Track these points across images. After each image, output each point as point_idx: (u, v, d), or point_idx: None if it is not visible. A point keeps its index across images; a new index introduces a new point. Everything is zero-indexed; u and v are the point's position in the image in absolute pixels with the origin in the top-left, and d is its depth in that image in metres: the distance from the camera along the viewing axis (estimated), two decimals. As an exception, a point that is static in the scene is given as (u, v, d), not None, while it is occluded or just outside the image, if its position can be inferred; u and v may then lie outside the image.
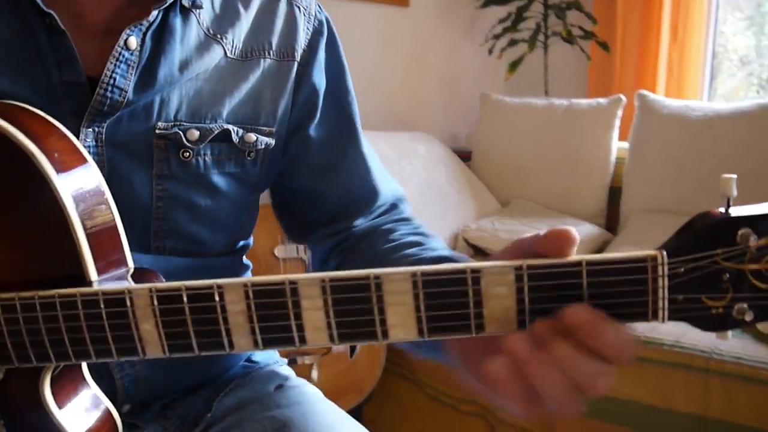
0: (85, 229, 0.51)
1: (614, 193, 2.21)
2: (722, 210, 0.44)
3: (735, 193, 0.45)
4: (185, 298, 0.48)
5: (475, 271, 0.45)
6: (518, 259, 0.45)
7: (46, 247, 0.51)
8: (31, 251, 0.51)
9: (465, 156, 2.52)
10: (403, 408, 1.86)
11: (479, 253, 2.03)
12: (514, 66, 2.64)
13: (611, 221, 2.22)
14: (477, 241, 2.06)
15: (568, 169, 2.21)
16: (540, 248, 0.45)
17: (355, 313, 0.46)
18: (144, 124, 0.63)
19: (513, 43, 2.67)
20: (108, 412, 0.60)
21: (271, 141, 0.70)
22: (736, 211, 0.44)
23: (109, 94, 0.59)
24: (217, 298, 0.47)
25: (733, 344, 1.37)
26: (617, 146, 2.22)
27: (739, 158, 1.90)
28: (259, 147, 0.69)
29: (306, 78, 0.72)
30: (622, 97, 2.24)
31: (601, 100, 2.27)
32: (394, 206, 0.79)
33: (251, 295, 0.47)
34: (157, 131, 0.63)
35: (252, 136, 0.69)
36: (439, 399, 1.76)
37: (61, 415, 0.55)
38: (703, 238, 0.43)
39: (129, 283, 0.53)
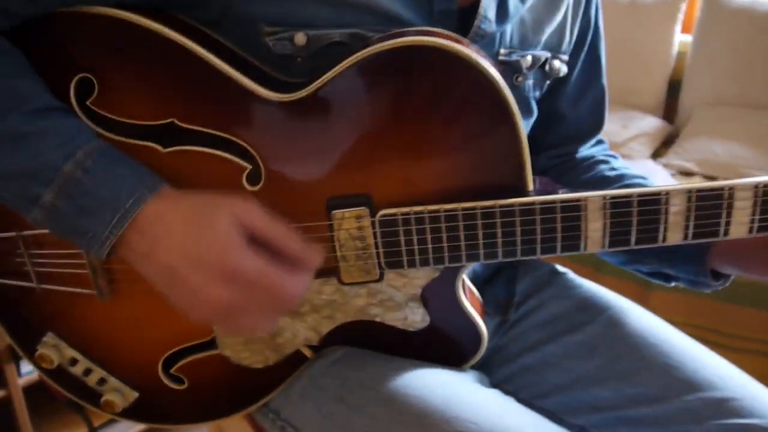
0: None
1: (673, 87, 2.30)
2: None
3: None
4: (635, 203, 0.57)
5: (730, 188, 0.56)
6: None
7: (491, 162, 0.59)
8: (474, 165, 0.59)
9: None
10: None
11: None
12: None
13: (669, 113, 2.33)
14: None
15: (629, 63, 2.28)
16: None
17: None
18: (489, 51, 0.69)
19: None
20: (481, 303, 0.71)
21: (566, 69, 0.77)
22: None
23: (482, 25, 0.65)
24: (663, 202, 0.57)
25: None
26: (679, 40, 2.29)
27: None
28: (559, 74, 0.76)
29: (587, 11, 0.79)
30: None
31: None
32: (601, 141, 0.90)
33: (693, 199, 0.57)
34: (499, 58, 0.70)
35: (556, 63, 0.75)
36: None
37: (472, 309, 0.66)
38: None
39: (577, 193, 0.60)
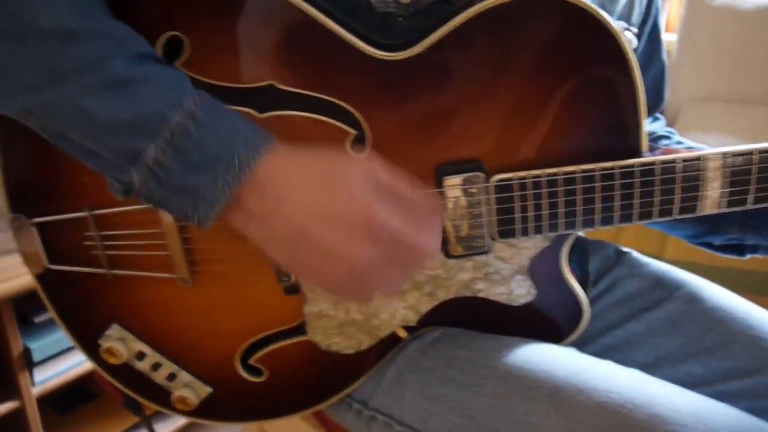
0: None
1: (658, 84, 2.34)
2: None
3: None
4: (756, 160, 0.56)
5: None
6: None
7: (607, 122, 0.56)
8: (590, 126, 0.57)
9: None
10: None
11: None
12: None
13: (656, 111, 2.37)
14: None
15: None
16: None
17: None
18: None
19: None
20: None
21: (636, 41, 0.76)
22: None
23: None
24: (780, 158, 0.56)
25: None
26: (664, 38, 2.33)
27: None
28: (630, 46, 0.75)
29: None
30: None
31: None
32: (657, 117, 0.89)
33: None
34: None
35: (628, 35, 0.74)
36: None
37: (574, 281, 0.63)
38: None
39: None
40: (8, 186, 0.60)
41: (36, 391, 1.16)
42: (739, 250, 0.77)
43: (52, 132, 0.49)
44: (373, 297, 0.52)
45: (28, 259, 0.62)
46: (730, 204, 0.57)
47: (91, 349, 0.66)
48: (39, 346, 1.17)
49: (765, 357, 0.68)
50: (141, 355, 0.65)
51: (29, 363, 1.16)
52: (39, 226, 0.61)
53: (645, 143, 0.57)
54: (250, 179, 0.48)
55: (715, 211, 0.58)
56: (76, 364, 1.25)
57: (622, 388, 0.53)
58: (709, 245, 0.79)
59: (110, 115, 0.46)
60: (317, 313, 0.62)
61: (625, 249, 0.85)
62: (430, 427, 0.59)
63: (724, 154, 0.55)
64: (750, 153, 0.56)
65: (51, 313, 0.65)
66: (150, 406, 0.69)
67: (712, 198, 0.57)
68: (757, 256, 0.76)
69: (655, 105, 0.86)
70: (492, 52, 0.54)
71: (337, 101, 0.54)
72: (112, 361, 0.64)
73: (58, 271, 0.63)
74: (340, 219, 0.47)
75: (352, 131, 0.55)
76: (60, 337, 1.23)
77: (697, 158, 0.56)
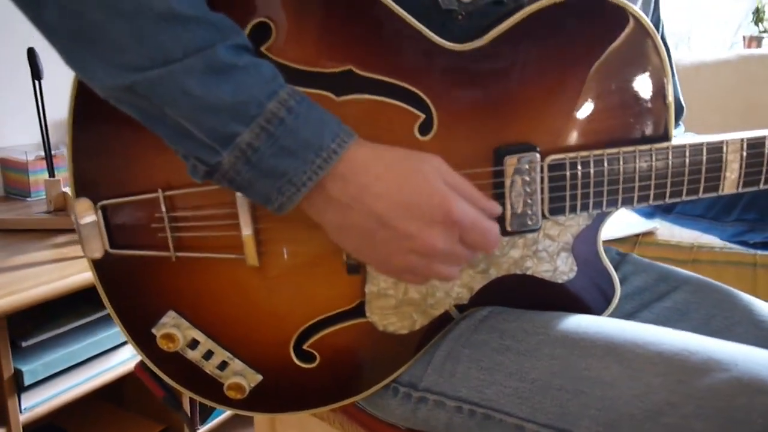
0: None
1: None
2: None
3: None
4: (768, 144, 0.64)
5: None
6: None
7: (642, 110, 0.63)
8: (627, 114, 0.63)
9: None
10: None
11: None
12: None
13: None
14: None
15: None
16: None
17: None
18: None
19: None
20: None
21: None
22: None
23: None
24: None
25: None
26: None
27: (723, 101, 2.27)
28: None
29: (656, 8, 0.87)
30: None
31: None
32: (678, 124, 0.96)
33: (814, 139, 0.65)
34: None
35: None
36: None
37: (608, 262, 0.69)
38: None
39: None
40: (75, 169, 0.61)
41: (23, 418, 1.10)
42: None
43: (148, 112, 0.52)
44: (428, 280, 0.57)
45: (88, 244, 0.62)
46: (745, 185, 0.65)
47: (142, 340, 0.65)
48: (30, 369, 1.12)
49: (765, 337, 0.76)
50: (194, 343, 0.65)
51: (19, 388, 1.10)
52: (102, 209, 0.62)
53: (672, 130, 0.64)
54: (337, 167, 0.52)
55: (733, 191, 0.65)
56: (66, 389, 1.20)
57: (674, 340, 0.58)
58: (745, 244, 0.87)
59: (211, 97, 0.50)
60: (376, 293, 0.64)
61: (624, 252, 0.92)
62: (486, 396, 0.62)
63: (742, 139, 0.64)
64: (764, 138, 0.64)
65: (104, 301, 0.65)
66: (199, 400, 0.68)
67: (731, 179, 0.65)
68: None
69: (678, 114, 0.91)
70: (546, 46, 0.61)
71: (409, 87, 0.59)
72: (169, 347, 0.64)
73: (116, 258, 0.63)
74: (421, 209, 0.53)
75: (421, 115, 0.60)
76: (51, 359, 1.17)
77: (720, 142, 0.64)
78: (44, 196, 1.61)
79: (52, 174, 1.45)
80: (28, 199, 1.67)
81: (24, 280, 1.14)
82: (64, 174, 1.61)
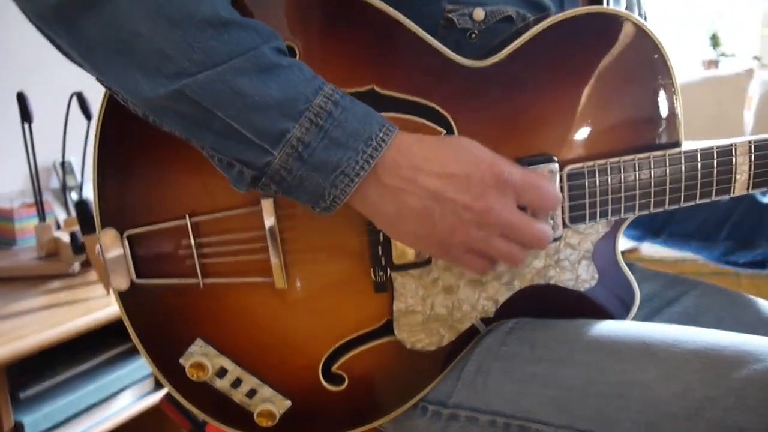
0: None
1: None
2: None
3: None
4: (774, 146, 0.67)
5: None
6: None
7: (654, 119, 0.66)
8: (639, 123, 0.65)
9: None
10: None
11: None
12: None
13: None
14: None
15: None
16: None
17: None
18: None
19: None
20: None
21: None
22: None
23: None
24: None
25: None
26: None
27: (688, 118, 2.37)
28: None
29: None
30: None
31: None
32: None
33: (816, 139, 0.67)
34: None
35: None
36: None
37: (627, 268, 0.70)
38: None
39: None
40: (101, 198, 0.61)
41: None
42: (762, 264, 0.87)
43: (194, 118, 0.52)
44: (497, 267, 0.57)
45: (114, 276, 0.62)
46: (755, 186, 0.67)
47: (169, 370, 0.64)
48: (32, 420, 1.08)
49: None
50: (222, 372, 0.64)
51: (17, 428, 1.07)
52: (129, 238, 0.61)
53: (682, 136, 0.67)
54: (387, 154, 0.54)
55: (743, 192, 0.68)
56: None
57: (703, 337, 0.59)
58: (735, 264, 0.89)
59: (261, 95, 0.51)
60: (404, 310, 0.65)
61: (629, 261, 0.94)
62: (521, 407, 0.62)
63: (749, 141, 0.66)
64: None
65: (130, 334, 0.64)
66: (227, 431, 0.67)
67: (741, 180, 0.67)
68: None
69: None
70: (560, 59, 0.63)
71: (430, 104, 0.61)
72: (199, 376, 0.63)
73: (142, 288, 0.62)
74: (472, 178, 0.54)
75: (442, 130, 0.61)
76: (52, 409, 1.14)
77: (729, 145, 0.66)
78: (30, 243, 1.59)
79: (42, 219, 1.43)
80: (14, 247, 1.64)
81: (20, 328, 1.11)
82: (52, 218, 1.59)
